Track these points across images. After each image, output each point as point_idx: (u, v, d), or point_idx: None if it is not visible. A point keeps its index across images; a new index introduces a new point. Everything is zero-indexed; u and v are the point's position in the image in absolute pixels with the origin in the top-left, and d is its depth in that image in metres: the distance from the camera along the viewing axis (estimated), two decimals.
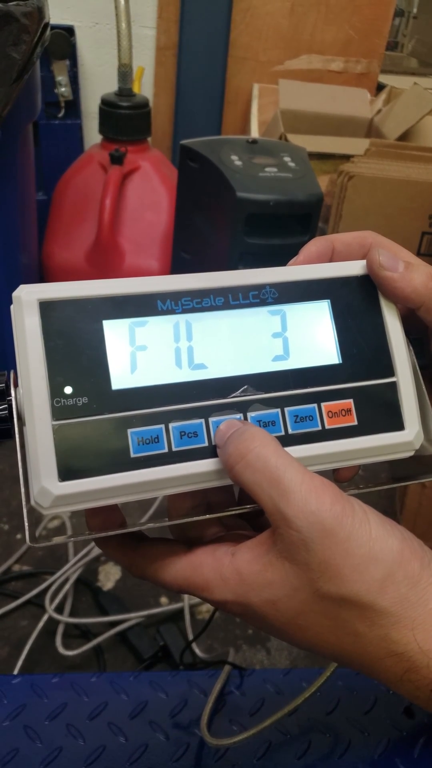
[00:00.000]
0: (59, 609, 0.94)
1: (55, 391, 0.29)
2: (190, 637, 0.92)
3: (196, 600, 0.97)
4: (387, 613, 0.28)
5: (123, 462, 0.29)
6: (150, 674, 0.54)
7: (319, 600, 0.28)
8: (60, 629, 0.91)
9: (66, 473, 0.29)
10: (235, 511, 0.33)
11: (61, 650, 0.88)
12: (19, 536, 1.07)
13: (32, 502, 0.29)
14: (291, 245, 1.07)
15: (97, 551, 1.03)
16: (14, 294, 0.30)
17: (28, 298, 0.29)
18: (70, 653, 0.87)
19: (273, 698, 0.52)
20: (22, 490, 0.29)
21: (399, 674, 0.29)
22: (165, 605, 0.97)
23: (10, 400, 0.29)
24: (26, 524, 0.29)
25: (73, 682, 0.52)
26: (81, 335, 0.30)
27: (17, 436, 0.30)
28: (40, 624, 0.91)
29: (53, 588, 0.96)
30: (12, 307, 0.30)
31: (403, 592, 0.28)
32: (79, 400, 0.29)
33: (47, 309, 0.29)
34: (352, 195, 1.32)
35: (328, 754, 0.48)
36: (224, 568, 0.30)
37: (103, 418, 0.29)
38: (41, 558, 1.03)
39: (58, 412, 0.29)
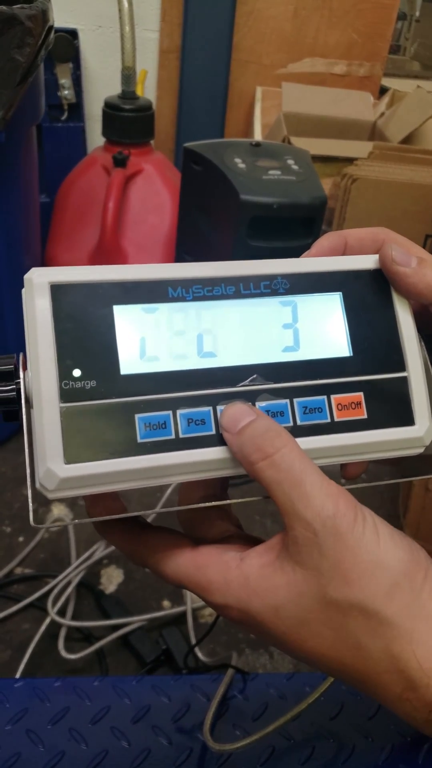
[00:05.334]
0: (61, 612, 0.93)
1: (64, 374, 0.29)
2: (193, 640, 0.92)
3: (199, 603, 0.97)
4: (390, 624, 0.28)
5: (129, 447, 0.29)
6: (152, 678, 0.53)
7: (323, 608, 0.28)
8: (62, 632, 0.90)
9: (72, 456, 0.29)
10: (244, 501, 0.33)
11: (64, 654, 0.87)
12: (21, 539, 1.07)
13: (37, 485, 0.29)
14: (294, 248, 1.07)
15: (99, 554, 1.03)
16: (26, 276, 0.30)
17: (39, 280, 0.29)
18: (72, 657, 0.87)
19: (276, 703, 0.52)
20: (28, 471, 0.29)
21: (397, 692, 0.28)
22: (167, 609, 0.96)
23: (19, 382, 0.30)
24: (30, 505, 0.30)
25: (75, 686, 0.52)
26: (91, 319, 0.30)
27: (24, 418, 0.29)
28: (42, 627, 0.91)
29: (55, 591, 0.96)
30: (23, 289, 0.30)
31: (407, 601, 0.28)
32: (87, 384, 0.29)
33: (58, 292, 0.29)
34: (356, 198, 1.32)
35: (332, 759, 0.47)
36: (230, 572, 0.30)
37: (110, 402, 0.29)
38: (43, 561, 1.03)
39: (66, 395, 0.29)
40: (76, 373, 0.29)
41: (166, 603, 0.98)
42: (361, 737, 0.49)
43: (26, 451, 0.29)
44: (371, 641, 0.28)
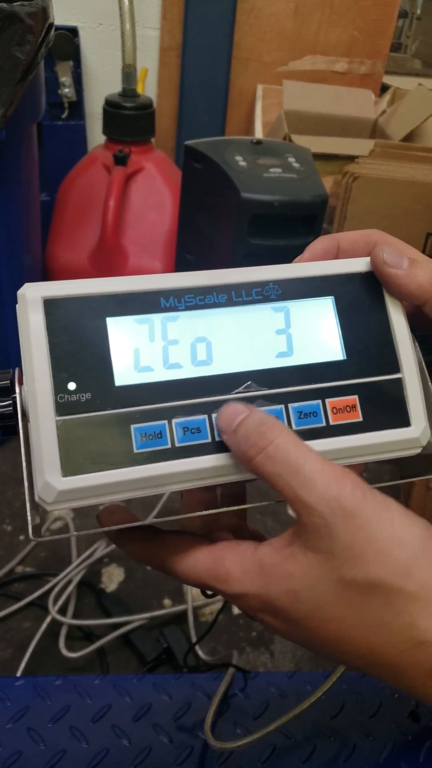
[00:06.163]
0: (62, 611, 0.93)
1: (59, 387, 0.29)
2: (194, 639, 0.92)
3: (200, 602, 0.97)
4: (414, 599, 0.27)
5: (126, 458, 0.30)
6: (153, 677, 0.53)
7: (342, 589, 0.28)
8: (63, 631, 0.91)
9: (69, 468, 0.29)
10: (250, 506, 0.34)
11: (65, 652, 0.87)
12: (22, 537, 1.07)
13: (36, 498, 0.29)
14: (295, 246, 1.07)
15: (100, 553, 1.03)
16: (19, 292, 0.30)
17: (32, 295, 0.30)
18: (73, 655, 0.87)
19: (277, 701, 0.52)
20: (26, 485, 0.29)
21: (427, 669, 0.28)
22: (168, 607, 0.96)
23: (15, 396, 0.30)
24: (29, 519, 0.30)
25: (76, 685, 0.52)
26: (85, 332, 0.30)
27: (21, 432, 0.30)
28: (43, 626, 0.91)
29: (56, 590, 0.96)
30: (17, 305, 0.30)
31: (429, 575, 0.28)
32: (82, 396, 0.29)
33: (51, 306, 0.30)
34: (357, 196, 1.32)
35: (333, 758, 0.47)
36: (246, 561, 0.30)
37: (106, 414, 0.30)
38: (44, 559, 1.03)
39: (61, 408, 0.29)
40: (71, 386, 0.29)
41: (167, 601, 0.98)
42: (362, 736, 0.49)
43: (23, 465, 0.30)
44: (395, 618, 0.28)
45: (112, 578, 1.01)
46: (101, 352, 0.30)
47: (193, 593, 0.98)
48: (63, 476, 0.29)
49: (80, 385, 0.29)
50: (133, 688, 0.52)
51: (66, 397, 0.29)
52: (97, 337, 0.30)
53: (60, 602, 0.94)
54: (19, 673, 0.86)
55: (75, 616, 0.94)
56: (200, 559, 0.31)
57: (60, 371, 0.29)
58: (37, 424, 0.29)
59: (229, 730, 0.49)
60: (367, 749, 0.48)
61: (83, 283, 0.31)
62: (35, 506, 0.30)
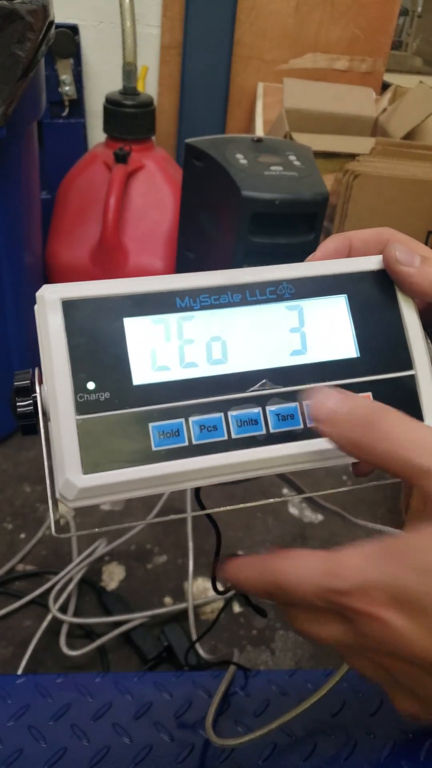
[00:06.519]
0: (63, 609, 0.93)
1: (79, 387, 0.30)
2: (195, 637, 0.92)
3: (201, 600, 0.97)
4: None
5: (145, 455, 0.30)
6: (154, 675, 0.53)
7: None
8: (64, 629, 0.91)
9: (90, 466, 0.30)
10: (251, 505, 0.34)
11: (65, 650, 0.87)
12: (23, 536, 1.07)
13: (57, 495, 0.30)
14: (296, 244, 1.07)
15: (101, 551, 1.03)
16: (38, 294, 0.31)
17: (51, 297, 0.30)
18: (74, 653, 0.87)
19: (278, 699, 0.52)
20: (48, 482, 0.30)
21: None
22: (169, 605, 0.96)
23: (35, 396, 0.31)
24: (51, 516, 0.31)
25: (77, 683, 0.52)
26: (103, 333, 0.31)
27: (42, 431, 0.31)
28: (44, 624, 0.91)
29: (57, 588, 0.96)
30: (36, 306, 0.31)
31: None
32: (101, 396, 0.30)
33: (70, 308, 0.30)
34: (358, 194, 1.31)
35: (334, 756, 0.47)
36: (366, 548, 0.26)
37: (125, 413, 0.30)
38: (45, 558, 1.03)
39: (81, 407, 0.30)
40: (90, 385, 0.30)
41: (167, 600, 0.98)
42: (363, 734, 0.49)
43: (45, 463, 0.31)
44: None
45: (113, 576, 1.01)
46: (119, 352, 0.31)
47: (193, 591, 0.98)
48: (84, 474, 0.29)
49: (99, 384, 0.30)
50: (133, 686, 0.52)
51: (85, 396, 0.30)
52: (115, 338, 0.31)
53: (61, 600, 0.94)
54: (19, 671, 0.86)
55: (76, 614, 0.94)
56: (311, 560, 0.27)
57: (79, 371, 0.30)
58: (57, 423, 0.29)
59: (230, 728, 0.49)
60: (368, 747, 0.48)
61: (100, 284, 0.31)
62: (56, 503, 0.31)
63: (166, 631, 0.90)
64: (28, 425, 0.31)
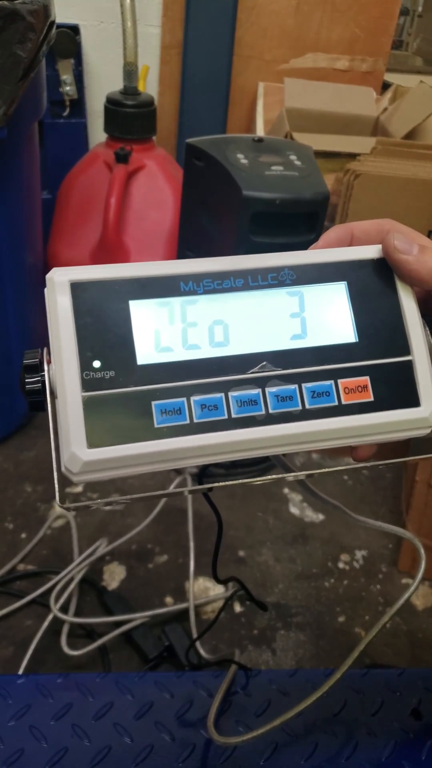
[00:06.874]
0: (64, 609, 0.93)
1: (85, 365, 0.31)
2: (195, 637, 0.92)
3: (202, 600, 0.97)
4: None
5: (147, 432, 0.31)
6: (155, 674, 0.53)
7: None
8: (65, 629, 0.91)
9: (94, 441, 0.30)
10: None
11: (66, 650, 0.88)
12: (24, 535, 1.07)
13: (63, 469, 0.31)
14: (297, 244, 1.07)
15: (102, 551, 1.03)
16: (47, 276, 0.32)
17: (60, 279, 0.32)
18: (75, 653, 0.87)
19: (279, 699, 0.52)
20: (53, 456, 0.31)
21: None
22: (170, 605, 0.97)
23: (44, 374, 0.32)
24: (56, 488, 0.32)
25: (78, 683, 0.52)
26: (109, 314, 0.32)
27: (49, 407, 0.32)
28: (45, 624, 0.91)
29: (58, 587, 0.96)
30: (45, 288, 0.32)
31: None
32: (107, 374, 0.31)
33: (78, 289, 0.32)
34: (359, 193, 1.31)
35: (335, 755, 0.47)
36: None
37: (129, 391, 0.31)
38: (46, 557, 1.03)
39: (87, 384, 0.31)
40: (96, 364, 0.31)
41: (168, 599, 0.98)
42: (365, 733, 0.49)
43: (52, 438, 0.32)
44: None
45: (114, 576, 1.01)
46: (124, 332, 0.32)
47: (194, 591, 0.98)
48: (88, 448, 0.30)
49: (104, 363, 0.31)
50: (134, 686, 0.52)
51: (91, 374, 0.31)
52: (121, 319, 0.32)
53: (62, 600, 0.94)
54: (20, 671, 0.86)
55: (77, 614, 0.94)
56: None
57: (86, 350, 0.31)
58: (64, 398, 0.31)
59: (231, 728, 0.49)
60: (369, 747, 0.48)
61: (108, 267, 0.32)
62: (62, 477, 0.32)
63: (167, 631, 0.90)
64: (36, 401, 0.32)
